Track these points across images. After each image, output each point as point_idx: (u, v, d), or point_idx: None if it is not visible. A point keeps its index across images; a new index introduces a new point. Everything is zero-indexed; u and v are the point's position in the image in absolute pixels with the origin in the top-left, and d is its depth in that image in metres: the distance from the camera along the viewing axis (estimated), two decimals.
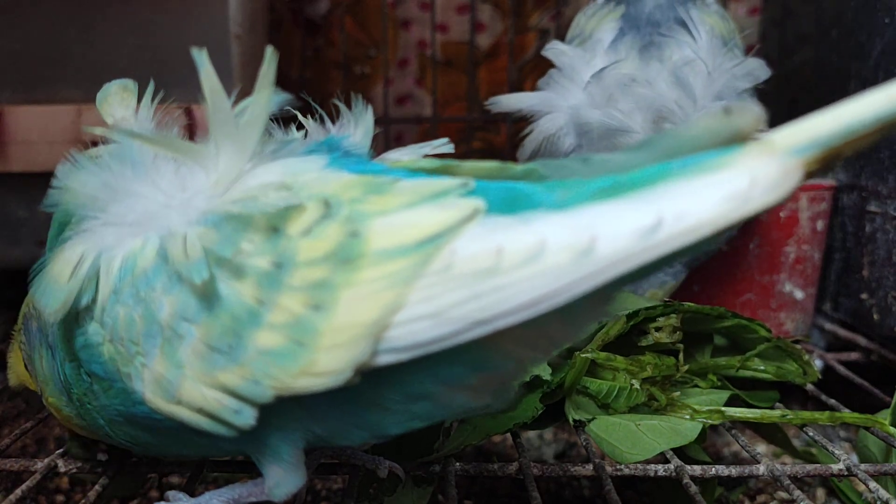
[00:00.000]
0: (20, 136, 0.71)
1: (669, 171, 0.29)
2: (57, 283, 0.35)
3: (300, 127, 0.41)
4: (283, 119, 0.39)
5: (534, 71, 1.08)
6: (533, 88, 0.69)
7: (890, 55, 0.69)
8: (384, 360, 0.31)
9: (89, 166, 0.37)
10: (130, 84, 0.41)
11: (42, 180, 0.77)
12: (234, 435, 0.33)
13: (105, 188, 0.36)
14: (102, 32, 0.73)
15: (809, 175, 0.28)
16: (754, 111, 0.29)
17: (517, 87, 1.08)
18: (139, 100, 0.40)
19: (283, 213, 0.32)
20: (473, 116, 1.08)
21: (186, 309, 0.33)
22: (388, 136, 1.07)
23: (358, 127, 0.40)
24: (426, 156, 0.39)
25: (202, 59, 0.34)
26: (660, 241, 0.27)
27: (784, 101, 0.90)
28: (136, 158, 0.36)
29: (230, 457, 0.50)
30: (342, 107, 0.41)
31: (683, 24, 0.66)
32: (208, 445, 0.37)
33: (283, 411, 0.34)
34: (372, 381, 0.32)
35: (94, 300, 0.35)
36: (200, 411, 0.33)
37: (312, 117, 0.41)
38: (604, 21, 0.69)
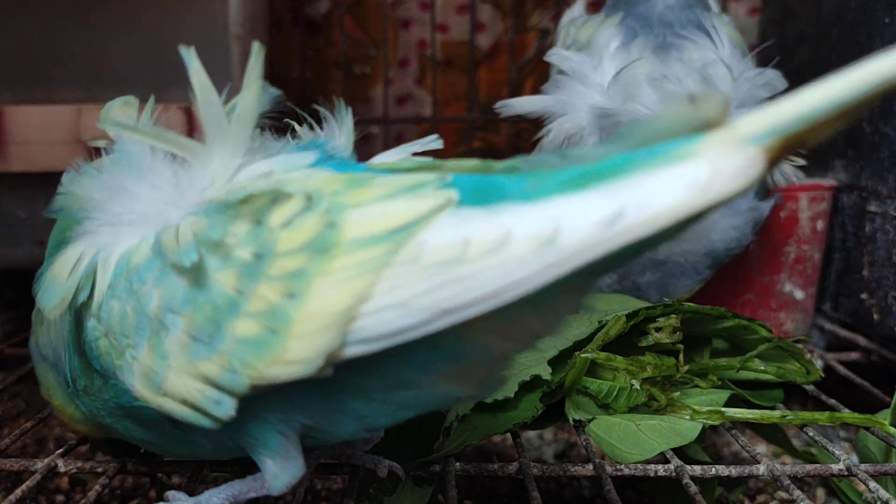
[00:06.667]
0: (20, 136, 0.71)
1: (634, 161, 0.29)
2: (56, 281, 0.37)
3: (293, 134, 0.41)
4: (276, 128, 0.40)
5: (534, 71, 1.08)
6: (534, 89, 0.68)
7: None
8: (354, 350, 0.31)
9: (91, 172, 0.38)
10: (131, 99, 0.42)
11: (42, 180, 0.77)
12: (217, 427, 0.34)
13: (104, 190, 0.37)
14: (102, 32, 0.73)
15: (774, 163, 0.28)
16: (720, 98, 0.28)
17: (517, 87, 1.07)
18: (140, 111, 0.41)
19: (267, 208, 0.33)
20: (473, 116, 1.08)
21: (173, 300, 0.34)
22: (387, 137, 1.06)
23: (342, 130, 0.41)
24: (415, 153, 0.40)
25: (190, 57, 0.35)
26: (621, 230, 0.27)
27: None
28: (135, 163, 0.38)
29: (228, 457, 0.50)
30: (323, 111, 0.41)
31: (699, 27, 0.65)
32: (201, 441, 0.38)
33: (265, 401, 0.34)
34: (350, 369, 0.32)
35: (90, 296, 0.36)
36: (184, 402, 0.34)
37: (307, 119, 0.42)
38: (601, 28, 0.67)
